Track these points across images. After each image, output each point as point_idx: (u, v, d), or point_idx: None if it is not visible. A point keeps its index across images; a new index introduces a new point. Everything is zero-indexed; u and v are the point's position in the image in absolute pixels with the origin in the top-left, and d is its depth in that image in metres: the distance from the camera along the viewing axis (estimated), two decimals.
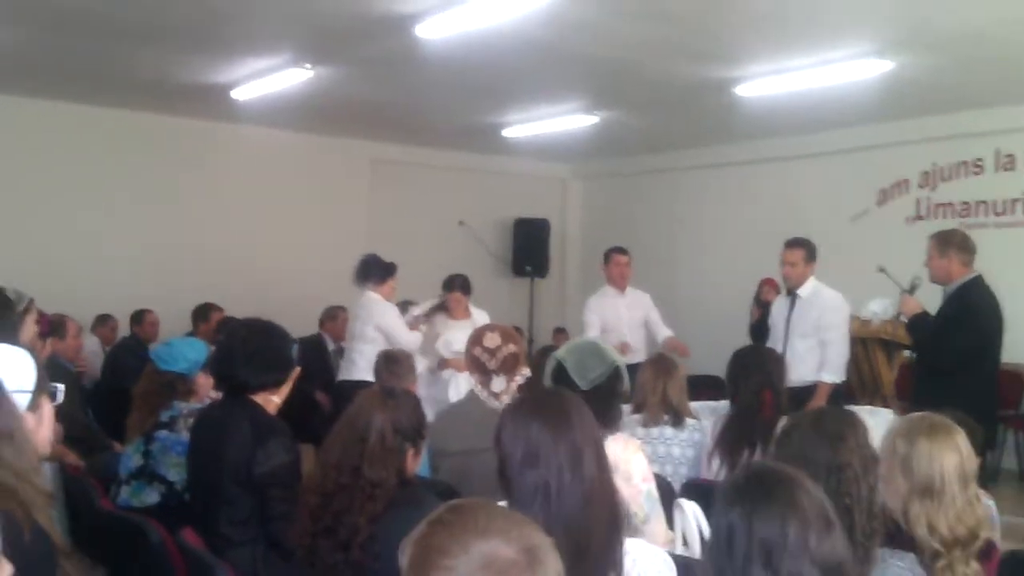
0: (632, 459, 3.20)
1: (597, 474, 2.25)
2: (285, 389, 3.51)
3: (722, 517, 1.91)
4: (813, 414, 2.82)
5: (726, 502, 1.92)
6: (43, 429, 2.39)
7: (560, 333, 11.69)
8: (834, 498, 2.30)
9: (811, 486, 1.94)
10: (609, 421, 3.26)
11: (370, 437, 2.76)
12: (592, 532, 2.15)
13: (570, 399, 2.40)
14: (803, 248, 6.22)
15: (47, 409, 2.41)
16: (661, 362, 4.68)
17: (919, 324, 5.66)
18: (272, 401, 3.46)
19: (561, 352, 3.41)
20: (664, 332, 7.50)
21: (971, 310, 5.42)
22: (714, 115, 9.32)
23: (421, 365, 6.58)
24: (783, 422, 3.85)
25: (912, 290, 5.81)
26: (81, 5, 6.45)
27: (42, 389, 2.39)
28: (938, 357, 5.52)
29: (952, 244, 5.55)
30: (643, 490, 3.18)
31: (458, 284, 7.27)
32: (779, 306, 6.51)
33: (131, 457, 3.81)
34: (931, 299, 5.71)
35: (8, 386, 2.21)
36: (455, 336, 6.75)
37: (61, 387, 2.49)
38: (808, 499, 1.89)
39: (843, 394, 6.04)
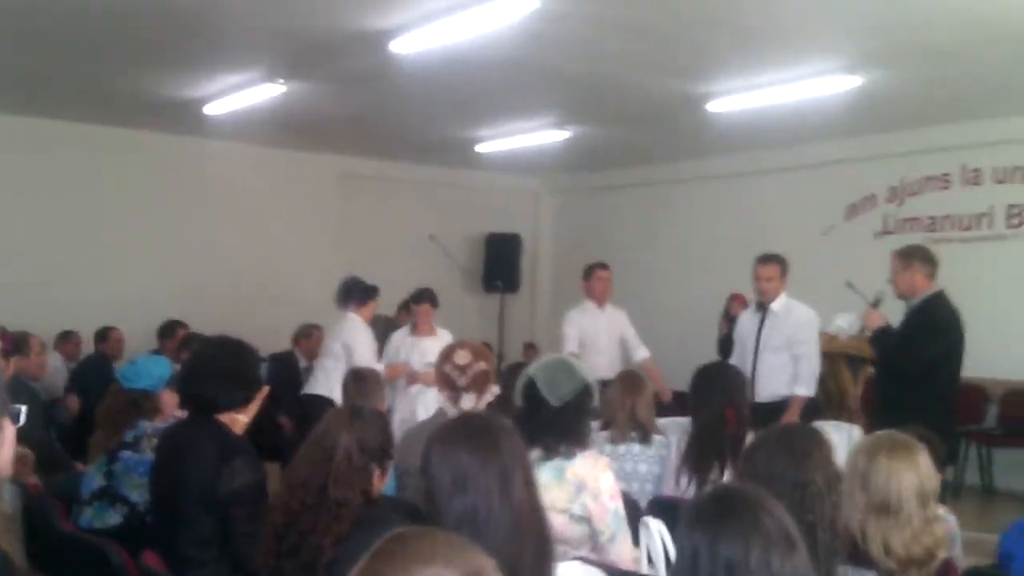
0: (601, 477, 3.20)
1: (527, 498, 2.23)
2: (253, 408, 3.48)
3: (686, 538, 1.92)
4: (779, 431, 2.83)
5: (690, 523, 1.92)
6: (3, 451, 2.36)
7: (530, 349, 11.69)
8: (798, 515, 2.31)
9: (774, 506, 1.95)
10: (579, 438, 3.26)
11: (336, 456, 2.73)
12: (522, 557, 2.13)
13: (497, 422, 2.39)
14: (778, 264, 6.25)
15: (8, 431, 2.38)
16: (630, 379, 4.68)
17: (882, 338, 5.71)
18: (239, 420, 3.42)
19: (532, 368, 3.39)
20: (641, 352, 7.50)
21: (936, 322, 5.47)
22: (685, 130, 9.38)
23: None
24: (751, 437, 3.90)
25: (876, 304, 5.86)
26: (54, 23, 6.42)
27: (3, 411, 2.36)
28: (905, 368, 5.56)
29: (916, 257, 5.61)
30: (610, 508, 3.18)
31: (427, 296, 7.19)
32: (747, 320, 6.53)
33: (93, 477, 3.75)
34: (895, 314, 5.76)
35: None
36: (429, 347, 6.68)
37: (24, 408, 2.46)
38: (771, 520, 1.90)
39: (811, 409, 6.06)
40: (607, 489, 3.19)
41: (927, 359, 5.38)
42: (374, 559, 1.40)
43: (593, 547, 3.15)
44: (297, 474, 2.77)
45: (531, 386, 3.30)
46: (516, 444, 2.31)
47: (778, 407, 5.94)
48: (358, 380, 5.16)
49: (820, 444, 2.64)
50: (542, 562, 2.19)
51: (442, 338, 6.76)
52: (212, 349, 3.51)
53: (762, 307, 6.31)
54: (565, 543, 3.07)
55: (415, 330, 7.20)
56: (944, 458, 3.70)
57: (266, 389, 3.52)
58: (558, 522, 3.05)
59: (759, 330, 6.27)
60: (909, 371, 5.44)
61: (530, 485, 2.28)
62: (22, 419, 2.43)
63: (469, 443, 2.24)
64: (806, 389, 6.09)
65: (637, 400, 4.48)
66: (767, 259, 6.28)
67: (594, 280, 7.47)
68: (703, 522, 1.90)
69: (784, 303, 6.21)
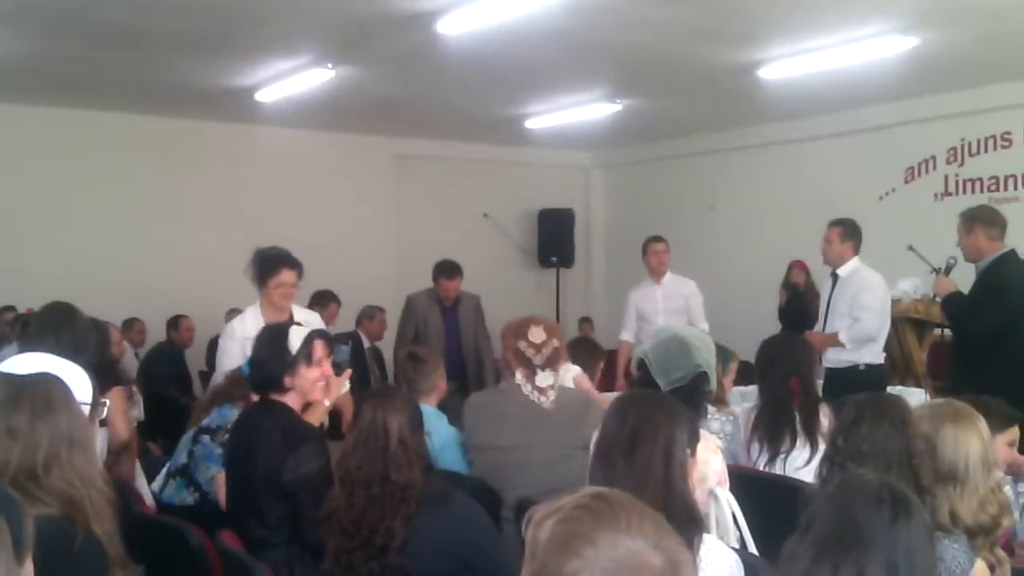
0: (711, 460, 3.11)
1: (681, 475, 2.32)
2: (333, 393, 3.65)
3: (883, 542, 1.86)
4: (868, 403, 2.76)
5: (883, 523, 1.87)
6: (98, 443, 2.49)
7: (586, 323, 11.70)
8: (912, 483, 2.43)
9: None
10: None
11: (391, 443, 2.75)
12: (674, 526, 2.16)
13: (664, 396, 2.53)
14: (840, 226, 6.16)
15: (96, 422, 2.51)
16: None
17: (953, 303, 5.61)
18: (323, 406, 3.61)
19: (647, 346, 3.35)
20: (700, 325, 7.43)
21: (1000, 286, 5.36)
22: (737, 98, 9.26)
23: None
24: (825, 407, 3.91)
25: (947, 270, 5.76)
26: (105, 15, 6.52)
27: (96, 403, 2.48)
28: (969, 335, 5.47)
29: (977, 220, 5.49)
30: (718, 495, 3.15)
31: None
32: (824, 287, 6.48)
33: (181, 452, 3.86)
34: (967, 278, 5.66)
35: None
36: None
37: (107, 402, 2.58)
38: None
39: (878, 375, 5.98)
40: (715, 474, 3.11)
41: (995, 323, 5.28)
42: (578, 513, 1.35)
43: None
44: (355, 470, 2.80)
45: (642, 366, 3.30)
46: (682, 415, 2.43)
47: (846, 373, 5.89)
48: (416, 361, 4.72)
49: (909, 410, 2.67)
50: (691, 533, 2.20)
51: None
52: (267, 333, 3.63)
53: (834, 274, 6.23)
54: None
55: None
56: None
57: (348, 372, 3.75)
58: None
59: (829, 296, 6.21)
60: (979, 337, 5.34)
61: (685, 465, 2.36)
62: (104, 412, 2.56)
63: (640, 409, 2.37)
64: (848, 340, 5.97)
65: None
66: (831, 222, 6.22)
67: (649, 254, 7.42)
68: (895, 524, 1.86)
69: (851, 269, 6.10)
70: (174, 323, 9.08)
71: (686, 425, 2.42)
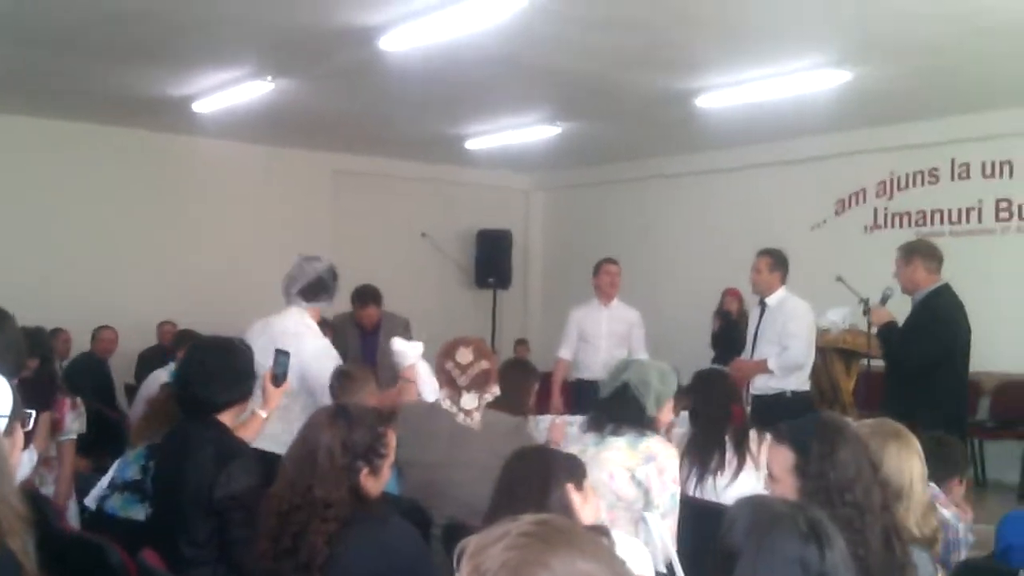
0: (671, 459, 3.53)
1: (562, 504, 2.54)
2: (271, 404, 3.70)
3: (792, 550, 1.85)
4: (830, 426, 2.62)
5: (799, 539, 1.86)
6: (16, 454, 2.39)
7: (522, 345, 11.70)
8: (877, 499, 2.48)
9: None
10: (639, 424, 3.57)
11: (319, 455, 2.70)
12: None
13: (556, 451, 2.96)
14: (768, 256, 6.24)
15: (19, 435, 2.42)
16: None
17: (888, 334, 5.71)
18: (258, 417, 3.63)
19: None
20: (639, 356, 7.39)
21: (934, 318, 5.47)
22: (675, 125, 9.39)
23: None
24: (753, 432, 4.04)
25: (884, 301, 5.86)
26: (44, 21, 6.40)
27: (17, 414, 2.39)
28: (904, 364, 5.57)
29: (917, 252, 5.61)
30: (670, 490, 3.47)
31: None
32: (753, 315, 6.56)
33: (130, 466, 3.73)
34: (904, 310, 5.77)
35: None
36: None
37: (33, 413, 2.51)
38: None
39: (804, 404, 6.06)
40: (671, 472, 3.48)
41: (931, 352, 5.38)
42: (527, 541, 1.31)
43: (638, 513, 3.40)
44: (286, 474, 2.75)
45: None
46: (563, 469, 2.67)
47: (772, 400, 5.98)
48: (342, 378, 4.64)
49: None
50: None
51: None
52: (202, 351, 3.54)
53: (762, 302, 6.31)
54: (620, 500, 3.41)
55: None
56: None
57: (286, 385, 3.74)
58: (621, 478, 3.42)
59: (758, 324, 6.29)
60: (914, 366, 5.45)
61: (563, 498, 2.59)
62: (30, 424, 2.48)
63: (522, 459, 2.69)
64: (778, 368, 6.07)
65: None
66: (760, 252, 6.30)
67: (601, 274, 7.31)
68: (813, 537, 1.86)
69: (779, 297, 6.20)
70: (95, 334, 8.92)
71: (564, 466, 2.69)
